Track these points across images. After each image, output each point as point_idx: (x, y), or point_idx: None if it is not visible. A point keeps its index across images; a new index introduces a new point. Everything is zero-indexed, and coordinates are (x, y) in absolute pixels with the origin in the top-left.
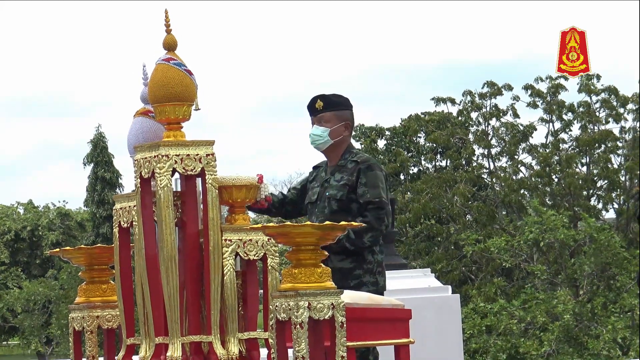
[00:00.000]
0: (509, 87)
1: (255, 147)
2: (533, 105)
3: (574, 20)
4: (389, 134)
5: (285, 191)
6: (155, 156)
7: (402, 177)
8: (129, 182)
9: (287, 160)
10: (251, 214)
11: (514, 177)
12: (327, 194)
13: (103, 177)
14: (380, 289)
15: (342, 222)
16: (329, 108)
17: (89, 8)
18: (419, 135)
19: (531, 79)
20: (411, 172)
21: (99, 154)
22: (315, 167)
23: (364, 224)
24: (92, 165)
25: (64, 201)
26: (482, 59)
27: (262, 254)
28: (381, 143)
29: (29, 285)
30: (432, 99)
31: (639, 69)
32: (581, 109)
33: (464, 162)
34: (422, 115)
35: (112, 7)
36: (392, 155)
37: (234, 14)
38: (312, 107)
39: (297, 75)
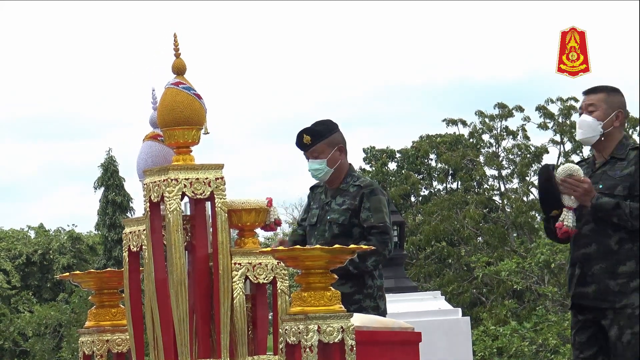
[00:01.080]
0: (520, 109)
1: (265, 168)
2: (543, 126)
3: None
4: (399, 155)
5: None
6: (164, 180)
7: (412, 199)
8: (140, 206)
9: (298, 182)
10: (261, 237)
11: (525, 199)
12: (328, 217)
13: (114, 201)
14: (381, 313)
15: (352, 245)
16: (318, 139)
17: (100, 30)
18: (430, 157)
19: (542, 99)
20: (422, 194)
21: (109, 178)
22: (312, 188)
23: (371, 247)
24: (102, 188)
25: (73, 224)
26: (493, 78)
27: (272, 277)
28: (392, 165)
29: (40, 309)
30: (444, 120)
31: (639, 69)
32: None
33: (475, 184)
34: (434, 137)
35: (122, 31)
36: (403, 177)
37: (242, 37)
38: (300, 144)
39: (306, 96)
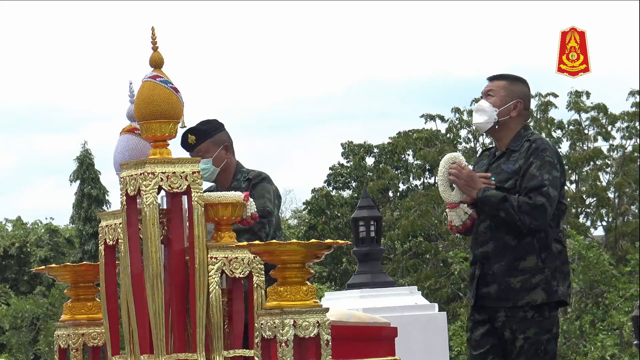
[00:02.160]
0: None
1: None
2: None
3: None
4: (377, 151)
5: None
6: (141, 174)
7: (390, 194)
8: (115, 199)
9: (276, 177)
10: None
11: None
12: None
13: (89, 194)
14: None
15: (328, 240)
16: (202, 139)
17: (77, 23)
18: (407, 152)
19: None
20: (400, 189)
21: (85, 171)
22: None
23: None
24: (78, 182)
25: (51, 218)
26: (472, 73)
27: (248, 271)
28: (370, 160)
29: (17, 302)
30: (422, 115)
31: (639, 69)
32: (570, 127)
33: None
34: (411, 133)
35: (99, 24)
36: (381, 173)
37: (220, 31)
38: (185, 144)
39: (284, 90)
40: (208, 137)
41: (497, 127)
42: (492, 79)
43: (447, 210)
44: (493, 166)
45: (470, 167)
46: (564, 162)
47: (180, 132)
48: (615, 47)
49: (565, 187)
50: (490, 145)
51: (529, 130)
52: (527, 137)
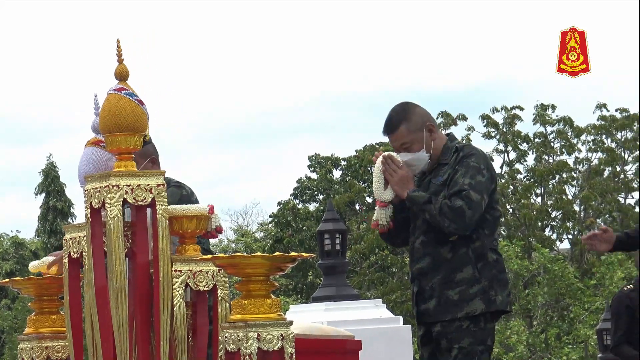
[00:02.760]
0: (464, 117)
1: (209, 175)
2: (488, 135)
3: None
4: (344, 164)
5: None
6: (105, 186)
7: (357, 207)
8: (81, 212)
9: (242, 190)
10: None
11: None
12: None
13: (55, 207)
14: None
15: (293, 253)
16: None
17: (42, 35)
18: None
19: (486, 108)
20: (366, 202)
21: (50, 184)
22: None
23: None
24: (43, 194)
25: (17, 230)
26: (438, 87)
27: (212, 284)
28: (337, 173)
29: None
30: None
31: (639, 69)
32: (536, 140)
33: None
34: (378, 146)
35: (64, 36)
36: (348, 186)
37: (187, 42)
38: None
39: (251, 102)
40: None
41: (429, 159)
42: (389, 132)
43: (376, 207)
44: (424, 182)
45: None
46: (530, 175)
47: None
48: (615, 47)
49: (532, 200)
50: None
51: (455, 141)
52: (454, 147)
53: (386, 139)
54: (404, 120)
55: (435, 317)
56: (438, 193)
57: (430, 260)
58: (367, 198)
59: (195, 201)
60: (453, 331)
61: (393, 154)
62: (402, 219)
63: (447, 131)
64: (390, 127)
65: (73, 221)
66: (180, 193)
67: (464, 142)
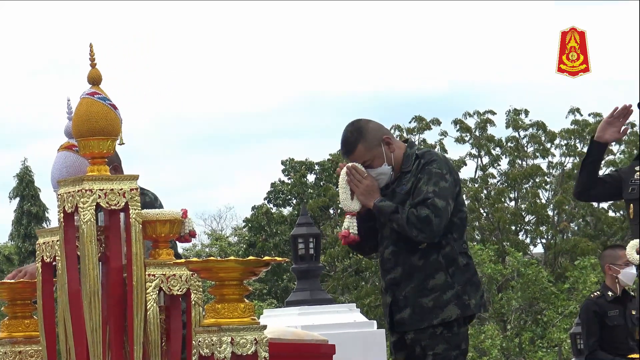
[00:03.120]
0: (437, 122)
1: (183, 180)
2: (461, 140)
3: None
4: (318, 168)
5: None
6: (78, 190)
7: (331, 211)
8: (55, 216)
9: (216, 194)
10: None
11: None
12: None
13: (29, 211)
14: None
15: (266, 257)
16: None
17: (13, 39)
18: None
19: (459, 113)
20: (340, 206)
21: (24, 188)
22: None
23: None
24: (18, 199)
25: None
26: (412, 90)
27: (186, 289)
28: (311, 177)
29: None
30: None
31: (639, 69)
32: (509, 144)
33: None
34: None
35: (37, 40)
36: (322, 190)
37: (159, 47)
38: None
39: (224, 106)
40: None
41: (392, 172)
42: (349, 153)
43: (346, 217)
44: (388, 192)
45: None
46: (503, 179)
47: (120, 148)
48: (615, 47)
49: (506, 204)
50: None
51: (414, 147)
52: (414, 154)
53: None
54: (360, 139)
55: (410, 326)
56: (403, 202)
57: (402, 270)
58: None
59: (160, 206)
60: (427, 338)
61: (357, 164)
62: (368, 228)
63: (422, 136)
64: (348, 148)
65: (47, 225)
66: (143, 200)
67: (423, 147)
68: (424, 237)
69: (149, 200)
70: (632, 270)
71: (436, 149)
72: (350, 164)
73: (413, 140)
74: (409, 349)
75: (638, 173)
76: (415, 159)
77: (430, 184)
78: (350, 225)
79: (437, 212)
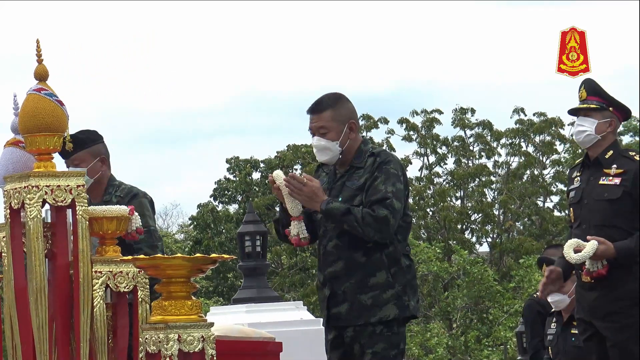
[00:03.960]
0: (385, 121)
1: (131, 176)
2: (408, 138)
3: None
4: (264, 166)
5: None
6: (25, 187)
7: (277, 209)
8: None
9: (162, 191)
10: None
11: None
12: None
13: None
14: None
15: (213, 255)
16: (79, 148)
17: None
18: (295, 167)
19: (407, 111)
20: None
21: None
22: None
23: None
24: None
25: None
26: (361, 89)
27: (133, 286)
28: (256, 175)
29: None
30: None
31: (639, 69)
32: (455, 143)
33: None
34: (300, 147)
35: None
36: (267, 188)
37: (108, 41)
38: (63, 151)
39: (170, 104)
40: (85, 146)
41: (340, 155)
42: (314, 111)
43: (292, 222)
44: (337, 185)
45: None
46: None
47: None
48: (615, 47)
49: (451, 203)
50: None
51: (369, 145)
52: (369, 151)
53: (308, 141)
54: (332, 106)
55: (347, 322)
56: (354, 197)
57: (344, 264)
58: None
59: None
60: (367, 336)
61: (292, 173)
62: (312, 226)
63: (369, 134)
64: (318, 107)
65: None
66: (147, 199)
67: (378, 146)
68: (381, 237)
69: (150, 198)
70: (562, 297)
71: (383, 147)
72: (282, 176)
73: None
74: (347, 347)
75: (576, 179)
76: (369, 156)
77: (388, 184)
78: (299, 229)
79: (394, 213)
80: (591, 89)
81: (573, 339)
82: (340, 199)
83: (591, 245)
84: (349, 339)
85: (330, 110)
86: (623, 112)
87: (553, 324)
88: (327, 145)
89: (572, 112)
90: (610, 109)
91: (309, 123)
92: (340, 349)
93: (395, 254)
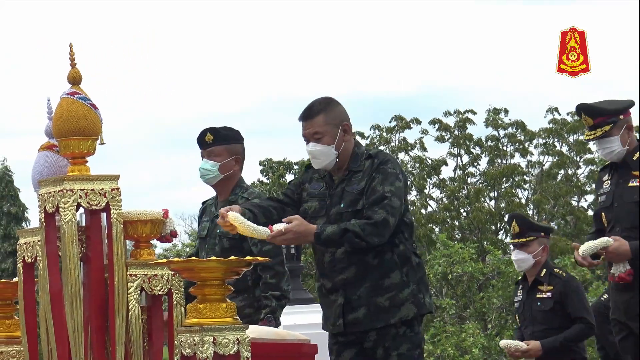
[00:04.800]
0: (417, 121)
1: (163, 179)
2: (441, 139)
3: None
4: (297, 168)
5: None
6: (59, 191)
7: None
8: (35, 217)
9: (197, 196)
10: (158, 249)
11: (423, 211)
12: (218, 230)
13: (9, 212)
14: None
15: (248, 257)
16: (219, 142)
17: None
18: None
19: (439, 112)
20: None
21: (4, 188)
22: (204, 203)
23: (267, 259)
24: None
25: None
26: (391, 90)
27: (168, 288)
28: (289, 177)
29: None
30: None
31: (639, 69)
32: (489, 143)
33: None
34: None
35: (17, 39)
36: None
37: (137, 44)
38: (201, 140)
39: (202, 106)
40: (225, 142)
41: (337, 159)
42: (307, 117)
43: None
44: (336, 191)
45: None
46: (482, 178)
47: (99, 148)
48: (615, 47)
49: (485, 203)
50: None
51: (362, 147)
52: (365, 154)
53: None
54: (323, 111)
55: (367, 326)
56: (356, 202)
57: (356, 270)
58: None
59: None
60: (390, 338)
61: (237, 217)
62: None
63: (402, 135)
64: (310, 113)
65: (27, 226)
66: (249, 191)
67: (374, 147)
68: (381, 240)
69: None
70: (526, 256)
71: (416, 148)
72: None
73: (365, 142)
74: (369, 351)
75: (606, 182)
76: (366, 159)
77: (386, 184)
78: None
79: (392, 212)
80: (594, 113)
81: (539, 303)
82: (342, 205)
83: (601, 240)
84: (370, 343)
85: (322, 115)
86: (629, 111)
87: (519, 291)
88: (324, 150)
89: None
90: (621, 116)
91: (302, 130)
92: (352, 349)
93: (406, 252)
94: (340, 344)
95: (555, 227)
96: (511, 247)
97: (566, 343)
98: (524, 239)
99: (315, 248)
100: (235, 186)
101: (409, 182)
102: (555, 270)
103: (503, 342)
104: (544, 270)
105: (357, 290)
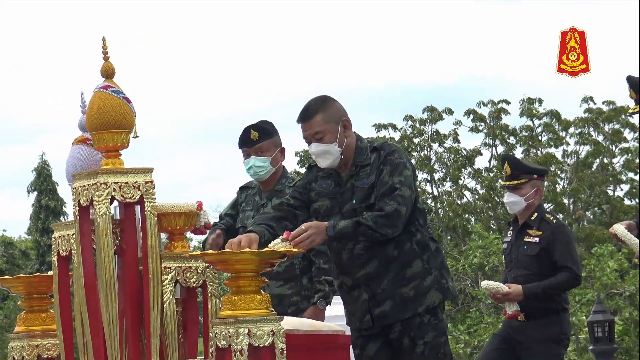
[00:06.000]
0: (450, 112)
1: (198, 172)
2: (475, 129)
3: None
4: None
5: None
6: (93, 184)
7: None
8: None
9: (232, 185)
10: (193, 242)
11: (459, 202)
12: None
13: (47, 205)
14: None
15: (282, 249)
16: (265, 137)
17: (28, 34)
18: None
19: (472, 103)
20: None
21: (42, 182)
22: (243, 188)
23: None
24: (35, 193)
25: (3, 230)
26: (424, 81)
27: (202, 281)
28: None
29: None
30: (374, 125)
31: (639, 69)
32: (524, 133)
33: None
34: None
35: (51, 34)
36: None
37: (175, 38)
38: (247, 139)
39: (238, 99)
40: (270, 136)
41: (342, 156)
42: (304, 119)
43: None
44: (346, 188)
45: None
46: None
47: (133, 141)
48: (615, 47)
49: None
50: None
51: (364, 141)
52: (369, 147)
53: (372, 135)
54: (320, 110)
55: (394, 318)
56: (368, 196)
57: (378, 263)
58: None
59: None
60: (416, 327)
61: (289, 235)
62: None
63: (435, 126)
64: (307, 114)
65: (65, 219)
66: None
67: (374, 139)
68: (397, 231)
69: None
70: (518, 199)
71: (449, 139)
72: (289, 240)
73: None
74: (395, 342)
75: None
76: (372, 152)
77: (395, 175)
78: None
79: (404, 202)
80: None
81: (525, 247)
82: (355, 201)
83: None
84: (396, 334)
85: (320, 114)
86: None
87: (510, 232)
88: (327, 149)
89: None
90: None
91: (302, 132)
92: (377, 341)
93: (424, 239)
94: (365, 337)
95: (592, 217)
96: (504, 189)
97: (549, 291)
98: (516, 182)
99: (331, 247)
100: (281, 176)
101: (442, 174)
102: (546, 215)
103: (484, 283)
104: (535, 214)
105: (381, 284)
